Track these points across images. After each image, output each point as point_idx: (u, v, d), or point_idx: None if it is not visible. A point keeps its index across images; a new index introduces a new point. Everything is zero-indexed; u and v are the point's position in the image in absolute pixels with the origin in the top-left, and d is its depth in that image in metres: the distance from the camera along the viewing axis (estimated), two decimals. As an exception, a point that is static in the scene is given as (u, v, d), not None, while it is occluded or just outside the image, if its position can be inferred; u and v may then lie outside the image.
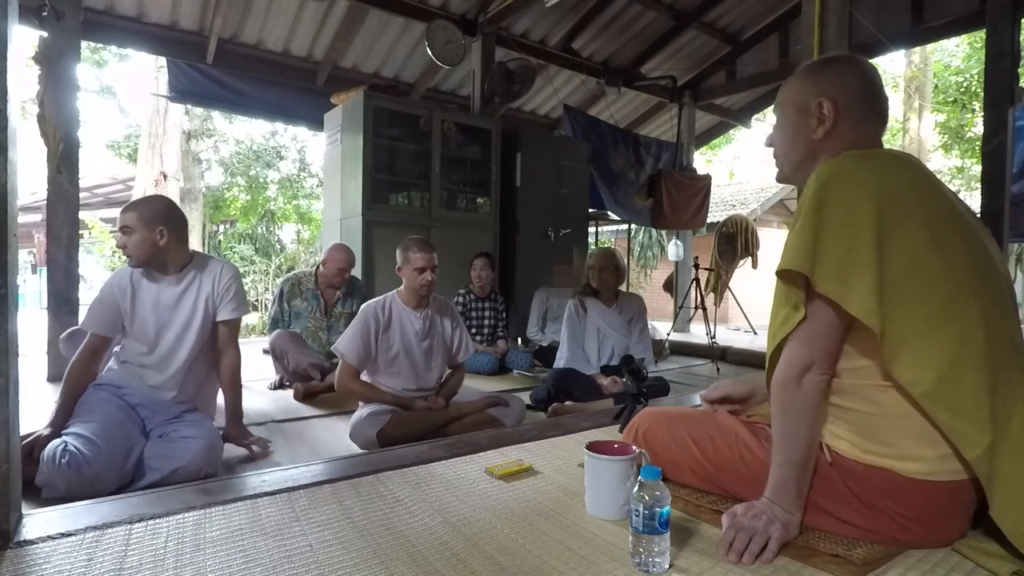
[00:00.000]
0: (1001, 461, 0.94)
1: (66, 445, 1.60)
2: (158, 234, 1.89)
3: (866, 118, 1.12)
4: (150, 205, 1.95)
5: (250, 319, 8.40)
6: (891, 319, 0.96)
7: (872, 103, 1.12)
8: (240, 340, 2.19)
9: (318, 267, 3.42)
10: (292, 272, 3.57)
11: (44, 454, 1.60)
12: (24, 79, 4.00)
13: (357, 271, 4.09)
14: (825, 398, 1.04)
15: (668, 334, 5.57)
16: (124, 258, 1.96)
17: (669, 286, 7.41)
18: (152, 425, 1.90)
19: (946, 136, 12.30)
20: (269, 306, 3.27)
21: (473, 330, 4.07)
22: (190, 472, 1.73)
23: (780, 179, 1.26)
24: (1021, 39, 3.79)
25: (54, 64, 3.36)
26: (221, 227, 12.62)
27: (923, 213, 1.00)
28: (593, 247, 6.00)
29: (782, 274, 1.03)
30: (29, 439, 1.68)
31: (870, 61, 1.19)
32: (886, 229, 0.97)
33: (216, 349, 2.06)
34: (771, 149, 1.25)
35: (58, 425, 1.77)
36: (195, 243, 9.09)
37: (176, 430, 1.85)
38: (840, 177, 1.02)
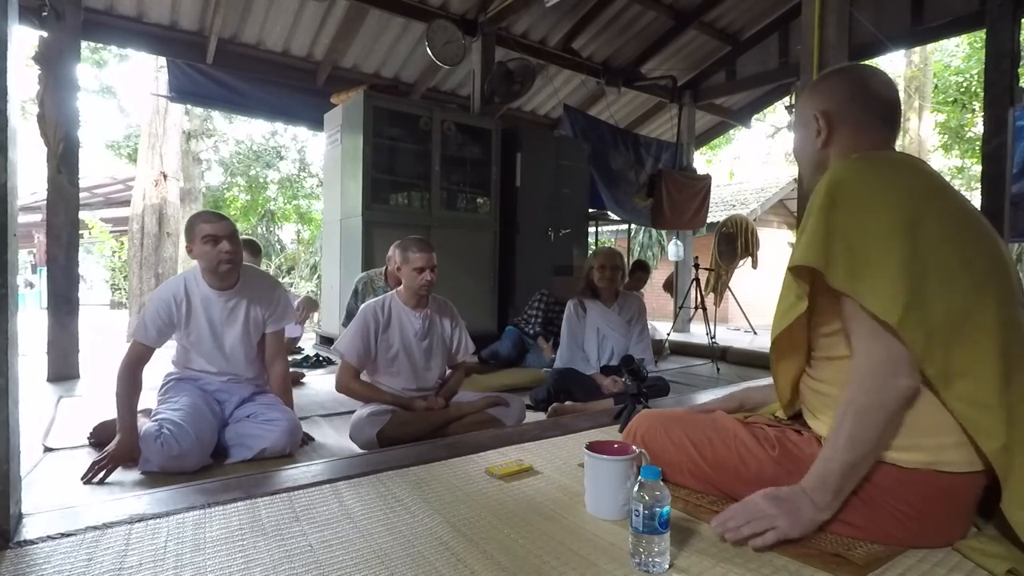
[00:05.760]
0: (1016, 456, 0.95)
1: (161, 428, 1.82)
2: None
3: (864, 124, 1.15)
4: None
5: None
6: (912, 313, 0.96)
7: (868, 110, 1.15)
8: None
9: (386, 267, 3.56)
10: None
11: (142, 435, 1.83)
12: (24, 79, 4.00)
13: (356, 271, 4.09)
14: (909, 407, 0.98)
15: (668, 334, 5.57)
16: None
17: (669, 286, 7.41)
18: (231, 407, 2.10)
19: (946, 136, 12.30)
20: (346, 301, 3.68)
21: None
22: (276, 451, 1.96)
23: (804, 189, 1.30)
24: (1021, 39, 3.79)
25: (54, 64, 3.36)
26: (221, 227, 12.62)
27: (937, 213, 1.02)
28: (593, 247, 6.00)
29: (794, 270, 1.05)
30: (101, 461, 1.81)
31: (874, 68, 1.20)
32: (903, 229, 0.98)
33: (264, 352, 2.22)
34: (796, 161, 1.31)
35: (126, 437, 1.86)
36: (195, 243, 9.08)
37: (261, 413, 2.05)
38: (850, 179, 1.04)
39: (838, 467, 1.00)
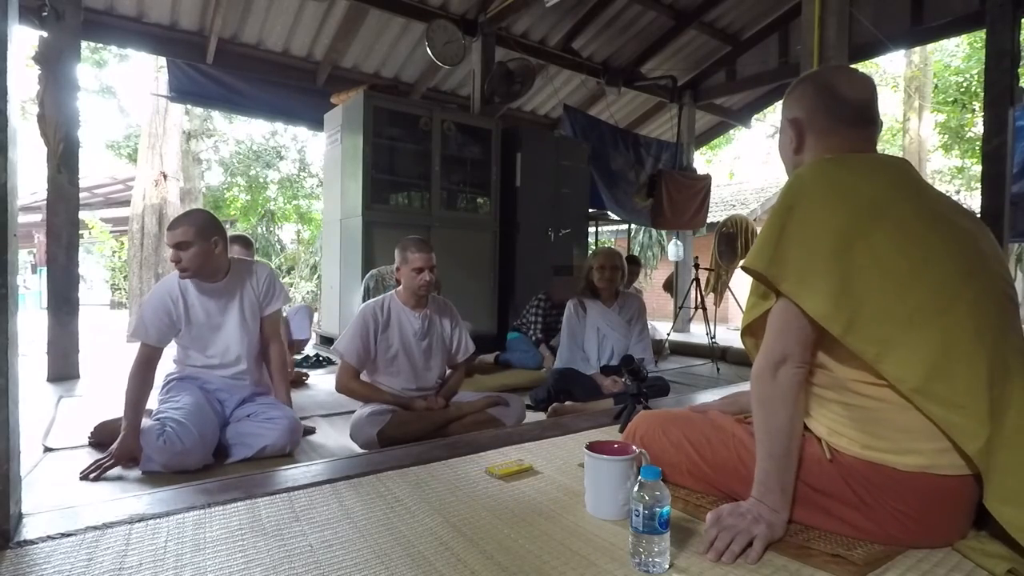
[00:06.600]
0: (999, 454, 0.95)
1: (163, 426, 1.84)
2: (213, 244, 2.05)
3: (831, 129, 1.16)
4: (200, 217, 2.08)
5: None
6: (868, 320, 0.98)
7: (834, 114, 1.16)
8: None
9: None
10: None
11: (144, 433, 1.85)
12: (24, 79, 4.00)
13: (356, 271, 4.10)
14: (802, 390, 1.05)
15: (668, 334, 5.57)
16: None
17: (669, 286, 7.41)
18: (231, 406, 2.12)
19: (946, 136, 12.28)
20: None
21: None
22: (276, 449, 1.99)
23: None
24: (1021, 39, 3.79)
25: (54, 64, 3.36)
26: (221, 227, 12.62)
27: (898, 216, 1.03)
28: (593, 247, 6.00)
29: (745, 269, 1.09)
30: (103, 460, 1.84)
31: (846, 69, 1.23)
32: (855, 235, 1.00)
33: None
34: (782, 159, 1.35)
35: (130, 436, 1.87)
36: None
37: (262, 412, 2.08)
38: (811, 182, 1.07)
39: (773, 464, 1.04)
